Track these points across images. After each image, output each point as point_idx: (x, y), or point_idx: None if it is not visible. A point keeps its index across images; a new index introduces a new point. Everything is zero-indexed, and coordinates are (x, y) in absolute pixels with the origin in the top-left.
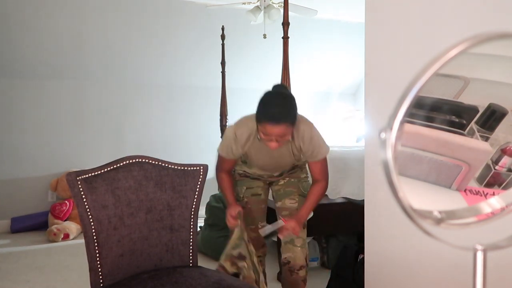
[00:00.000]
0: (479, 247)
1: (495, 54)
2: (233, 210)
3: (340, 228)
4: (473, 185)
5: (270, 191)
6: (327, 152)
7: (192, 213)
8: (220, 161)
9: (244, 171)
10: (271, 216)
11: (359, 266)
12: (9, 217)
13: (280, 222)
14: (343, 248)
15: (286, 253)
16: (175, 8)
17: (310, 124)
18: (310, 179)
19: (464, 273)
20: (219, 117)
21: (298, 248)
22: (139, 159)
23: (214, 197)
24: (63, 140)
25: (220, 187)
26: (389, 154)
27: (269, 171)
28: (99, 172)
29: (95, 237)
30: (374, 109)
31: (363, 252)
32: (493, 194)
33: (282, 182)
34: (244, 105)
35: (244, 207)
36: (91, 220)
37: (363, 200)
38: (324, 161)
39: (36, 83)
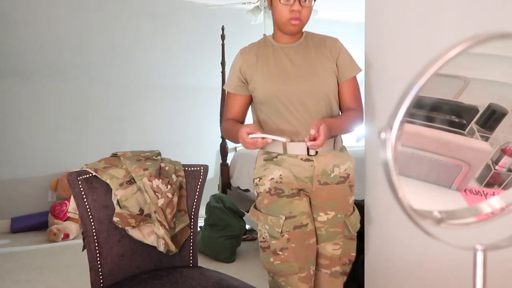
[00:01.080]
0: (479, 247)
1: (495, 54)
2: (247, 127)
3: None
4: (473, 185)
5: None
6: (360, 70)
7: (192, 213)
8: (226, 105)
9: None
10: None
11: (359, 266)
12: (9, 217)
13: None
14: None
15: None
16: (175, 8)
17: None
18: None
19: (464, 273)
20: (219, 117)
21: None
22: None
23: (214, 197)
24: (63, 140)
25: (226, 134)
26: (389, 154)
27: (297, 102)
28: None
29: (95, 237)
30: (374, 109)
31: (363, 252)
32: (493, 194)
33: (325, 217)
34: None
35: (286, 248)
36: (91, 220)
37: (363, 200)
38: (356, 82)
39: (36, 83)
